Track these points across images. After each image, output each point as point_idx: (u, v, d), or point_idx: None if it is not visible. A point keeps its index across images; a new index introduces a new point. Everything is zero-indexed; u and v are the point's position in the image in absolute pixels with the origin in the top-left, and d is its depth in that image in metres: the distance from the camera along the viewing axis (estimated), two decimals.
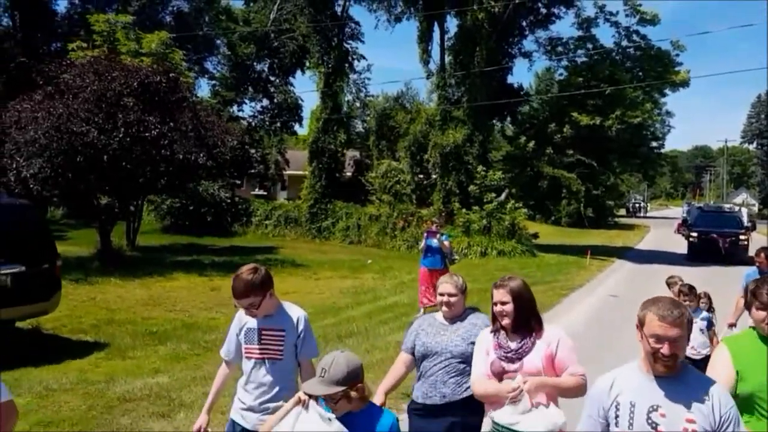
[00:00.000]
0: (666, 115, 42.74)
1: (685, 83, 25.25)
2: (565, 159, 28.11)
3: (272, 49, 31.36)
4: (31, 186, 14.18)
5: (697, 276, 14.60)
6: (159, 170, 16.56)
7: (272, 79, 32.74)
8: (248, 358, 3.54)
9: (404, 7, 27.45)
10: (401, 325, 10.58)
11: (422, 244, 11.74)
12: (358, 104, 29.84)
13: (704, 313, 6.50)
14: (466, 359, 3.61)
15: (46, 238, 9.06)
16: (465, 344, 3.65)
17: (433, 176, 26.11)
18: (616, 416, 2.49)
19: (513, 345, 3.27)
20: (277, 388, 3.47)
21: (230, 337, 3.67)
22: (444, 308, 3.79)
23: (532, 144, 25.58)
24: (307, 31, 29.23)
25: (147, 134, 15.62)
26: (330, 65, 27.83)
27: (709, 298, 6.98)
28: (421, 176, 26.37)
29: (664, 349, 2.38)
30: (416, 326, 3.90)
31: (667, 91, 27.10)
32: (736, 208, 29.21)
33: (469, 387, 3.52)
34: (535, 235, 26.45)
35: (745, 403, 2.89)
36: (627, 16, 25.07)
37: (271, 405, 3.39)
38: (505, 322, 3.29)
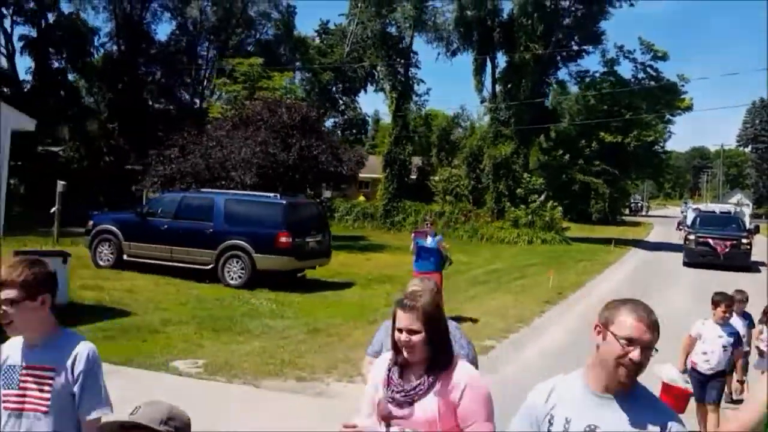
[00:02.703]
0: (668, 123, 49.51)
1: (688, 108, 31.77)
2: (592, 168, 34.83)
3: (345, 74, 37.86)
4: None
5: (692, 284, 16.92)
6: (311, 178, 23.10)
7: (343, 98, 39.26)
8: (4, 410, 2.41)
9: (459, 44, 33.93)
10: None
11: (412, 245, 10.61)
12: (420, 121, 36.33)
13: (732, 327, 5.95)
14: None
15: (324, 220, 15.65)
16: None
17: (484, 181, 32.65)
18: (548, 430, 2.14)
19: (407, 386, 2.47)
20: None
21: None
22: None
23: (567, 156, 32.20)
24: (376, 61, 35.80)
25: (309, 154, 22.16)
26: (398, 90, 34.36)
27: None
28: (475, 181, 32.89)
29: (635, 354, 2.02)
30: (384, 330, 3.24)
31: (673, 114, 33.91)
32: (738, 209, 27.81)
33: None
34: (565, 229, 33.02)
35: None
36: (642, 53, 31.76)
37: None
38: (409, 355, 2.45)
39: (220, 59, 37.50)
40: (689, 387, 5.41)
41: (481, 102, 32.95)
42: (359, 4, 36.39)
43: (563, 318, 12.59)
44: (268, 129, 21.96)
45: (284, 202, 14.68)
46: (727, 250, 21.41)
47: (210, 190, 16.45)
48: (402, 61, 35.46)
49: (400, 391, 2.47)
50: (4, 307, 2.33)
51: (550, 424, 2.12)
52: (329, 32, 39.93)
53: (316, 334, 9.73)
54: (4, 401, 2.40)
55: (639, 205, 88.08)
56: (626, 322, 2.05)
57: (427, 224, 11.31)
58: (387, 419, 2.47)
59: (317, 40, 40.55)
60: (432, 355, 2.46)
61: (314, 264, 15.16)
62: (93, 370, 2.43)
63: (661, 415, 2.08)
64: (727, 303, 5.79)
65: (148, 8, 40.02)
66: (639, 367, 2.04)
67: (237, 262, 14.01)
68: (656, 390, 4.84)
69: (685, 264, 21.97)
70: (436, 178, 33.28)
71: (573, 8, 32.92)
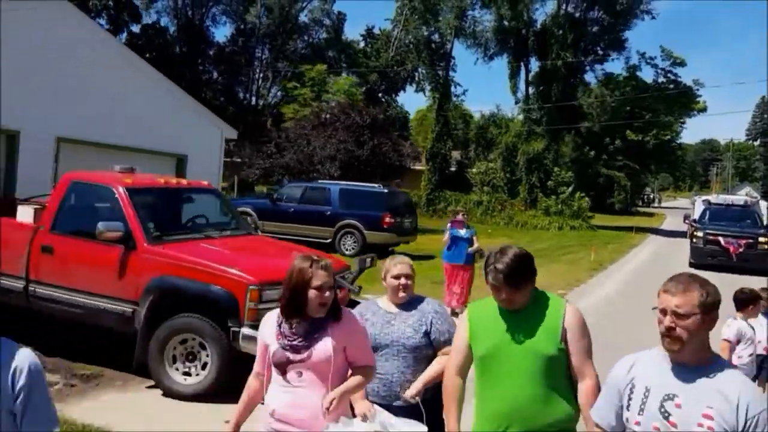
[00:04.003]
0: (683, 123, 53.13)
1: (702, 110, 35.59)
2: (615, 163, 38.68)
3: (388, 75, 41.73)
4: None
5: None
6: (380, 171, 27.00)
7: (385, 97, 43.12)
8: None
9: (496, 50, 37.73)
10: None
11: (446, 235, 10.49)
12: (459, 118, 40.22)
13: None
14: (419, 350, 3.30)
15: (412, 205, 19.63)
16: (418, 336, 3.31)
17: (518, 174, 36.52)
18: (629, 399, 2.27)
19: (303, 334, 2.80)
20: None
21: None
22: (400, 293, 3.38)
23: (593, 153, 36.05)
24: (418, 64, 39.64)
25: (379, 150, 26.09)
26: (439, 91, 38.21)
27: None
28: (510, 174, 36.77)
29: (666, 321, 2.15)
30: (356, 314, 3.28)
31: (689, 115, 37.73)
32: (752, 201, 24.79)
33: (429, 387, 3.24)
34: (591, 217, 36.89)
35: (479, 364, 2.87)
36: (663, 60, 35.55)
37: None
38: (322, 309, 2.81)
39: (275, 61, 41.40)
40: None
41: (516, 103, 36.85)
42: (404, 12, 40.28)
43: (608, 280, 16.54)
44: (345, 129, 25.89)
45: (386, 191, 18.70)
46: (741, 250, 18.39)
47: (326, 181, 20.46)
48: (443, 64, 39.32)
49: (297, 338, 2.77)
50: None
51: (631, 392, 2.25)
52: (374, 36, 43.80)
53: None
54: None
55: (651, 196, 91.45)
56: (660, 296, 2.19)
57: (462, 214, 11.08)
58: (284, 366, 2.77)
59: (362, 44, 44.41)
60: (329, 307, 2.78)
61: (407, 240, 19.17)
62: (38, 383, 2.06)
63: (736, 383, 2.12)
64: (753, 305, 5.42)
65: (208, 13, 43.89)
66: (675, 338, 2.13)
67: (351, 237, 18.04)
68: None
69: (692, 265, 18.33)
70: (474, 170, 37.23)
71: (600, 18, 36.65)
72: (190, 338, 6.03)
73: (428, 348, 3.35)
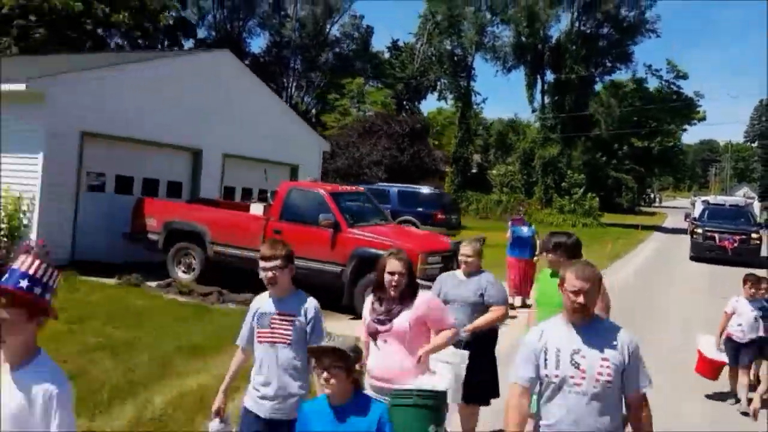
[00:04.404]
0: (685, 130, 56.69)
1: (702, 119, 39.39)
2: (623, 167, 42.28)
3: (411, 85, 45.28)
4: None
5: (699, 276, 18.32)
6: (417, 174, 30.57)
7: (409, 104, 46.64)
8: (259, 343, 3.52)
9: (514, 63, 41.30)
10: None
11: (509, 233, 11.52)
12: (479, 124, 43.82)
13: (764, 303, 6.60)
14: (475, 306, 4.73)
15: (456, 204, 23.21)
16: (475, 297, 4.75)
17: (534, 176, 40.07)
18: (545, 359, 2.89)
19: (386, 310, 3.71)
20: (287, 375, 3.44)
21: (245, 323, 3.67)
22: (463, 266, 4.85)
23: (603, 157, 39.65)
24: (441, 74, 43.19)
25: (418, 156, 29.68)
26: (462, 100, 41.79)
27: None
28: (527, 176, 40.34)
29: (580, 299, 2.85)
30: (440, 279, 5.02)
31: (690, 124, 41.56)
32: (747, 202, 27.76)
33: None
34: (600, 216, 40.47)
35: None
36: (667, 72, 39.18)
37: (284, 392, 3.42)
38: (394, 290, 3.70)
39: (307, 71, 44.93)
40: (723, 358, 6.70)
41: (533, 111, 40.40)
42: (428, 27, 43.89)
43: (625, 267, 20.06)
44: (388, 137, 29.49)
45: (437, 192, 22.30)
46: (735, 245, 20.70)
47: (384, 183, 24.01)
48: (464, 75, 42.92)
49: (382, 314, 3.71)
50: (272, 272, 3.41)
51: (545, 354, 2.89)
52: (398, 49, 47.37)
53: None
54: (259, 336, 3.48)
55: (653, 196, 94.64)
56: (570, 280, 2.89)
57: (520, 213, 12.55)
58: (374, 334, 3.73)
59: (387, 55, 47.97)
60: (405, 288, 3.70)
61: (454, 233, 22.69)
62: (319, 317, 3.48)
63: (614, 331, 2.93)
64: (752, 282, 6.63)
65: (245, 26, 47.42)
66: (583, 307, 2.86)
67: None
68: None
69: (692, 258, 21.43)
70: (494, 172, 40.80)
71: (609, 34, 40.24)
72: None
73: (482, 305, 4.75)
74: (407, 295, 3.72)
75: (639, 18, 38.29)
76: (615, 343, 2.87)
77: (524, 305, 10.56)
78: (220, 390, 3.65)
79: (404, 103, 45.98)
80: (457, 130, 41.72)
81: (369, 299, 3.90)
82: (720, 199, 28.08)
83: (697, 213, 25.16)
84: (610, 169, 40.51)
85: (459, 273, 4.89)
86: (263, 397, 3.45)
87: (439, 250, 9.95)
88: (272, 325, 3.46)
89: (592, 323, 2.93)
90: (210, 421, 3.61)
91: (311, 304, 3.51)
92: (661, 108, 37.96)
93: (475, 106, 44.27)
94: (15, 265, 2.36)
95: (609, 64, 40.65)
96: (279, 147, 15.66)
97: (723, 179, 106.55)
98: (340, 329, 6.73)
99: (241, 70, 15.25)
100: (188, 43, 37.42)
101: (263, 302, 3.56)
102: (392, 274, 3.66)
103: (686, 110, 39.33)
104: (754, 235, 20.97)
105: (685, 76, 38.82)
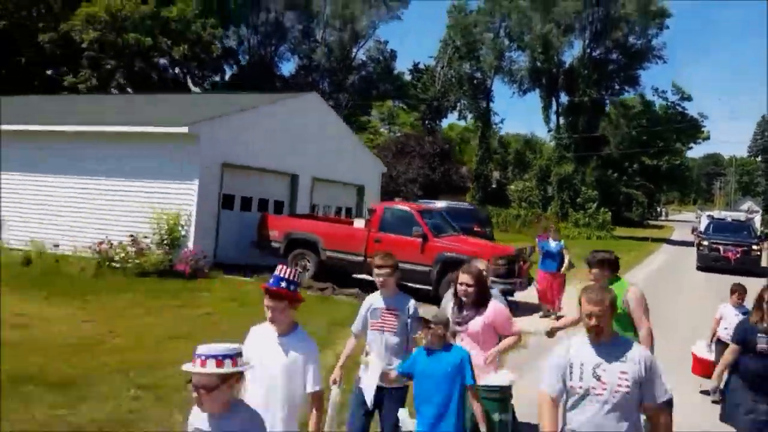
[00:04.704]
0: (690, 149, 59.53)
1: (706, 138, 42.36)
2: (634, 183, 45.29)
3: (434, 106, 48.43)
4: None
5: (705, 284, 19.85)
6: (446, 191, 33.52)
7: (430, 124, 49.75)
8: (371, 330, 4.48)
9: (530, 86, 44.42)
10: None
11: (538, 248, 12.55)
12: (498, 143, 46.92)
13: (746, 309, 7.00)
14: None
15: (489, 217, 26.14)
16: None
17: (550, 191, 43.03)
18: (571, 372, 3.25)
19: (462, 315, 4.52)
20: (391, 354, 4.39)
21: (359, 315, 4.64)
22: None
23: (615, 174, 42.69)
24: (460, 96, 46.33)
25: (447, 174, 32.64)
26: (482, 120, 44.89)
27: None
28: (543, 192, 43.30)
29: (593, 321, 3.21)
30: (445, 303, 4.94)
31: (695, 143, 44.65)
32: (749, 217, 30.03)
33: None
34: (612, 229, 43.36)
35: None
36: (673, 94, 42.29)
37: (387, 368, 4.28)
38: (467, 298, 4.50)
39: (335, 93, 48.09)
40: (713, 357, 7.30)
41: (548, 131, 43.46)
42: (448, 51, 47.11)
43: (639, 272, 22.92)
44: (420, 156, 32.50)
45: (473, 207, 25.24)
46: (738, 256, 22.33)
47: (425, 200, 26.96)
48: (482, 96, 46.07)
49: (459, 317, 4.51)
50: (383, 278, 4.38)
51: (571, 368, 3.26)
52: (419, 71, 50.59)
53: None
54: (372, 325, 4.40)
55: (659, 210, 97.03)
56: (584, 304, 3.26)
57: (550, 229, 13.51)
58: (453, 334, 4.42)
59: (408, 77, 51.20)
60: (476, 297, 4.47)
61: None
62: (416, 311, 4.37)
63: (631, 347, 3.31)
64: (740, 292, 7.53)
65: (277, 52, 50.73)
66: (596, 328, 3.22)
67: None
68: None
69: (698, 268, 23.31)
70: (512, 188, 43.81)
71: (618, 59, 43.36)
72: None
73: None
74: (480, 302, 4.51)
75: (646, 45, 41.41)
76: (632, 358, 3.23)
77: (546, 315, 12.10)
78: (337, 366, 4.57)
79: (426, 122, 49.13)
80: (477, 149, 44.75)
81: (447, 299, 4.82)
82: (723, 214, 30.52)
83: (702, 227, 27.28)
84: (621, 185, 43.44)
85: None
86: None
87: (505, 254, 12.88)
88: (382, 317, 4.41)
89: (612, 340, 3.31)
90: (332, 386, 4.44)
91: (411, 303, 4.46)
92: (667, 128, 40.97)
93: (494, 126, 47.39)
94: (276, 272, 3.45)
95: (618, 87, 43.75)
96: (350, 171, 18.68)
97: (727, 193, 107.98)
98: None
99: (324, 108, 18.34)
100: (230, 70, 40.50)
101: (375, 299, 4.51)
102: (461, 284, 4.50)
103: (692, 131, 42.36)
104: (755, 247, 22.78)
105: (689, 98, 41.95)
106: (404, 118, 37.82)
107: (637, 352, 3.29)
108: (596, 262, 5.10)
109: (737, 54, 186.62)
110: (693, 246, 29.19)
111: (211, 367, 2.64)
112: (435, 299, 12.56)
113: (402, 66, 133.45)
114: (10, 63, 28.61)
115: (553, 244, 12.26)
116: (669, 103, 41.87)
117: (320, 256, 13.54)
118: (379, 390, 4.26)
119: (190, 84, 38.46)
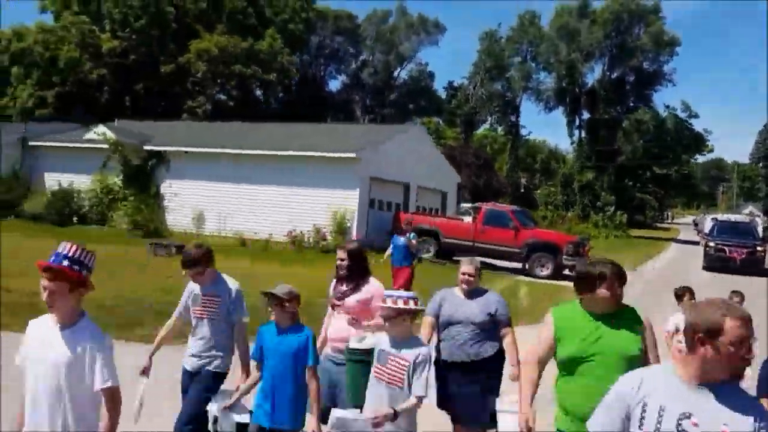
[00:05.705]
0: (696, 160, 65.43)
1: (711, 151, 48.48)
2: (647, 190, 51.11)
3: (468, 121, 54.51)
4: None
5: (712, 285, 20.73)
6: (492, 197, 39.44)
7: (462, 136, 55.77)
8: (193, 317, 4.53)
9: (555, 104, 50.40)
10: None
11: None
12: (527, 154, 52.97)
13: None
14: (483, 325, 4.59)
15: (533, 218, 32.16)
16: (482, 315, 4.61)
17: (572, 196, 48.89)
18: (642, 417, 2.28)
19: (341, 289, 4.73)
20: (213, 341, 4.44)
21: (181, 301, 4.68)
22: (464, 285, 4.72)
23: (630, 182, 48.60)
24: (492, 111, 52.40)
25: (490, 181, 38.52)
26: (512, 133, 50.88)
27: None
28: (567, 196, 49.20)
29: (747, 350, 2.19)
30: (439, 296, 4.80)
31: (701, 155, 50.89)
32: (752, 219, 30.87)
33: (488, 350, 4.60)
34: (627, 230, 49.20)
35: (564, 366, 3.29)
36: (682, 111, 48.27)
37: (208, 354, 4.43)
38: (341, 272, 4.77)
39: (378, 107, 54.16)
40: None
41: (571, 144, 49.40)
42: (480, 72, 53.20)
43: (652, 266, 28.74)
44: (466, 166, 38.34)
45: (523, 209, 31.11)
46: (743, 256, 22.79)
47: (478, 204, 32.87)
48: (510, 111, 52.09)
49: (338, 291, 4.76)
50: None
51: (644, 410, 2.26)
52: (454, 88, 56.73)
53: None
54: (193, 312, 4.58)
55: (666, 213, 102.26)
56: (734, 329, 2.14)
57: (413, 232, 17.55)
58: (333, 306, 4.81)
59: (443, 95, 57.40)
60: (348, 272, 4.72)
61: None
62: (240, 296, 4.56)
63: (754, 407, 2.19)
64: (689, 295, 6.42)
65: (326, 71, 56.87)
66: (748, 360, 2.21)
67: None
68: None
69: (704, 268, 23.68)
70: (539, 192, 49.75)
71: (633, 81, 49.32)
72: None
73: (489, 324, 4.63)
74: (355, 279, 4.75)
75: (658, 69, 47.40)
76: (748, 415, 2.18)
77: None
78: (147, 356, 4.68)
79: (461, 135, 55.19)
80: (507, 159, 50.71)
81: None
82: (726, 216, 32.50)
83: (707, 229, 28.98)
84: (635, 191, 49.26)
85: (457, 291, 4.77)
86: (192, 356, 4.57)
87: (572, 241, 18.81)
88: (203, 304, 4.55)
89: (717, 384, 2.23)
90: None
91: (234, 287, 4.52)
92: (677, 142, 46.87)
93: (522, 137, 53.37)
94: (58, 249, 2.90)
95: (632, 105, 49.72)
96: (438, 180, 24.69)
97: (730, 197, 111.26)
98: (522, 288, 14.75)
99: (424, 135, 24.58)
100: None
101: (195, 286, 4.57)
102: (338, 260, 4.84)
103: (698, 144, 48.26)
104: (759, 248, 23.59)
105: (696, 115, 47.88)
106: (448, 133, 43.79)
107: (756, 409, 2.25)
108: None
109: (741, 66, 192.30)
110: (697, 245, 33.63)
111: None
112: (526, 273, 18.51)
113: (438, 85, 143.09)
114: (132, 91, 34.63)
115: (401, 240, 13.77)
116: (678, 119, 47.79)
117: (440, 241, 19.49)
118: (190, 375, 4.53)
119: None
